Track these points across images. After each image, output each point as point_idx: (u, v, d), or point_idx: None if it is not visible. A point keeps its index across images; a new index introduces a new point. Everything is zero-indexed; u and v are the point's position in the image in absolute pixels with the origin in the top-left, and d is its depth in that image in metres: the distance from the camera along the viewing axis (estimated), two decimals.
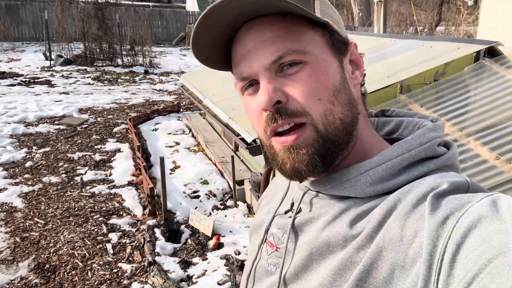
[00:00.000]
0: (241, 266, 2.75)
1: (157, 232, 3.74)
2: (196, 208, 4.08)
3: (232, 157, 3.98)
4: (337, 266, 0.53)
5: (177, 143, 5.86)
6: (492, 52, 4.45)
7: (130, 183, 4.82)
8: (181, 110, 7.87)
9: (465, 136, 3.39)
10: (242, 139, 3.69)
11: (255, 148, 3.52)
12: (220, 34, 0.57)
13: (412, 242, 0.47)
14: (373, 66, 4.60)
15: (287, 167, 0.57)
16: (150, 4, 28.00)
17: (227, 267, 3.10)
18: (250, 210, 4.08)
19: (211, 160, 5.16)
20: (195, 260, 3.38)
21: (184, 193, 4.41)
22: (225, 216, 4.00)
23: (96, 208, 4.21)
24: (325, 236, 0.56)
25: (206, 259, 3.38)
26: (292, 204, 0.66)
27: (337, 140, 0.56)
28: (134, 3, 14.61)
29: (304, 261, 0.58)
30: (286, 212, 0.66)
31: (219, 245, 3.54)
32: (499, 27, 6.38)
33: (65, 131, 6.60)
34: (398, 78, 4.16)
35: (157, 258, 3.35)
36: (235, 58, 0.59)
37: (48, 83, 10.13)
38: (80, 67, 12.03)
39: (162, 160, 3.79)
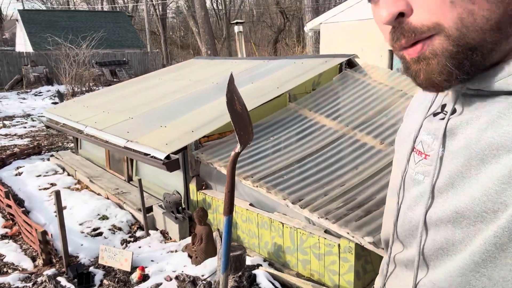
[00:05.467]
0: (193, 281, 2.50)
1: (62, 280, 3.15)
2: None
3: (140, 180, 3.66)
4: (506, 173, 0.45)
5: (53, 184, 5.09)
6: (351, 64, 5.27)
7: (4, 236, 3.96)
8: (43, 151, 6.89)
9: (351, 129, 3.89)
10: (153, 157, 3.46)
11: (172, 163, 3.35)
12: None
13: None
14: (260, 81, 4.90)
15: (421, 79, 0.51)
16: None
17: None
18: (166, 236, 3.78)
19: (102, 195, 4.64)
20: None
21: (83, 232, 3.83)
22: (139, 247, 3.62)
23: None
24: (488, 138, 0.48)
25: None
26: (444, 106, 0.57)
27: (479, 42, 0.46)
28: None
29: (460, 168, 0.50)
30: (435, 115, 0.58)
31: (145, 277, 3.17)
32: (336, 52, 7.63)
33: None
34: (286, 88, 4.53)
35: None
36: None
37: None
38: None
39: (58, 194, 3.24)
